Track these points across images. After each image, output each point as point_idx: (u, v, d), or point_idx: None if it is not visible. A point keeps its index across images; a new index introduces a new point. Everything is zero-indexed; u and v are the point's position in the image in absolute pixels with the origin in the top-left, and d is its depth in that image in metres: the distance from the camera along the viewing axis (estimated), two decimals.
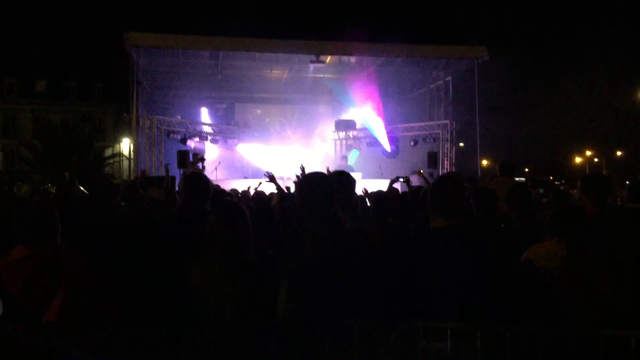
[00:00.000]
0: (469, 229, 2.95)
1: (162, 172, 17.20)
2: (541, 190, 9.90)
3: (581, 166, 55.51)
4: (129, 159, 28.01)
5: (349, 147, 22.37)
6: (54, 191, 14.08)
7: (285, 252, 2.94)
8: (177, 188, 12.97)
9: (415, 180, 11.99)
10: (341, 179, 3.75)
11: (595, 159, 54.48)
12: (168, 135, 18.41)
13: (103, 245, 3.28)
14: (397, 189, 8.70)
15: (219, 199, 3.72)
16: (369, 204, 6.26)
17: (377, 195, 5.76)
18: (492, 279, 2.76)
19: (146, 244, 3.45)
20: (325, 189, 3.03)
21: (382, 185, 12.86)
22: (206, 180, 4.16)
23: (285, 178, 16.38)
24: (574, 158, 57.18)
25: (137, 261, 3.23)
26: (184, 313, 2.81)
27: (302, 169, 7.97)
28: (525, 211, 4.16)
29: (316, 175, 3.16)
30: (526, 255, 3.10)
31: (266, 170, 8.22)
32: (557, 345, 2.55)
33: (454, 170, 18.68)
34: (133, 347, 2.48)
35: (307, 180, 3.11)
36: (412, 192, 8.22)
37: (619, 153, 52.07)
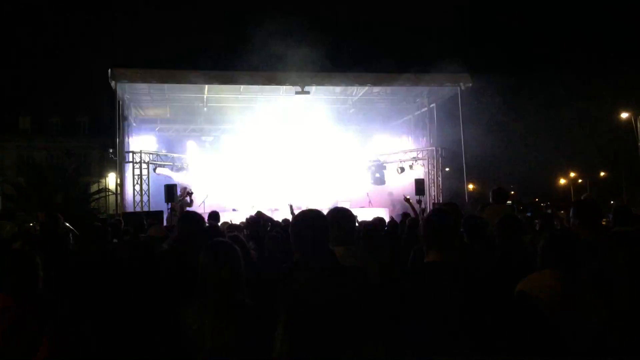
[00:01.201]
0: (463, 263, 2.94)
1: (151, 208, 17.11)
2: (528, 214, 9.97)
3: (565, 187, 56.01)
4: (115, 193, 27.78)
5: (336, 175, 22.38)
6: (38, 229, 13.92)
7: (281, 291, 2.91)
8: (165, 223, 12.91)
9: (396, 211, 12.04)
10: (340, 216, 3.71)
11: (580, 180, 55.02)
12: (155, 169, 18.35)
13: (91, 289, 3.23)
14: (382, 219, 8.70)
15: (210, 239, 3.69)
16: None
17: (366, 227, 5.75)
18: (487, 313, 2.75)
19: (137, 285, 3.41)
20: (319, 227, 3.01)
21: (371, 213, 12.90)
22: (200, 219, 4.14)
23: (273, 209, 16.37)
24: (558, 180, 57.71)
25: (127, 303, 3.18)
26: (178, 355, 2.76)
27: (291, 207, 8.04)
28: (516, 239, 4.17)
29: (310, 213, 3.14)
30: (520, 286, 3.08)
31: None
32: None
33: (441, 196, 18.77)
34: None
35: (301, 218, 3.09)
36: (402, 221, 8.25)
37: (602, 174, 52.66)
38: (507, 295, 3.16)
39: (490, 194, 7.21)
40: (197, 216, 4.39)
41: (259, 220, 7.36)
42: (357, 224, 7.29)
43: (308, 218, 3.06)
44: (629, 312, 3.15)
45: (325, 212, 3.75)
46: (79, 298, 3.11)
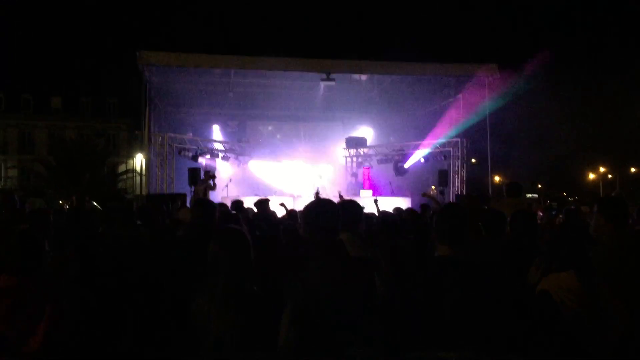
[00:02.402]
0: (474, 258, 2.93)
1: (174, 190, 17.31)
2: (553, 212, 9.83)
3: (594, 182, 55.05)
4: (140, 175, 28.18)
5: (359, 165, 22.41)
6: (67, 207, 14.18)
7: (289, 279, 2.93)
8: (189, 206, 13.05)
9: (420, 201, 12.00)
10: (349, 205, 3.74)
11: (609, 176, 54.03)
12: (179, 152, 18.53)
13: (105, 271, 3.29)
14: (413, 210, 8.68)
15: (222, 226, 3.73)
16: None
17: (384, 218, 5.73)
18: (497, 309, 2.74)
19: (149, 269, 3.46)
20: (331, 216, 3.03)
21: (393, 203, 12.86)
22: (213, 205, 4.19)
23: (295, 195, 16.44)
24: (588, 174, 56.74)
25: (138, 286, 3.24)
26: (184, 341, 2.81)
27: (318, 192, 8.11)
28: (529, 235, 4.13)
29: (322, 202, 3.17)
30: (542, 285, 3.04)
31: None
32: None
33: (464, 188, 18.61)
34: None
35: (313, 207, 3.11)
36: (422, 212, 8.21)
37: (632, 169, 51.60)
38: (517, 292, 3.15)
39: (504, 187, 7.17)
40: (209, 204, 4.45)
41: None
42: (373, 213, 7.33)
43: (319, 208, 3.09)
44: None
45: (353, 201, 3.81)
46: (89, 280, 3.18)
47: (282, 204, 8.54)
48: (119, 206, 4.72)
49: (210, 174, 16.19)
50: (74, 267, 3.38)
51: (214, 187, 15.94)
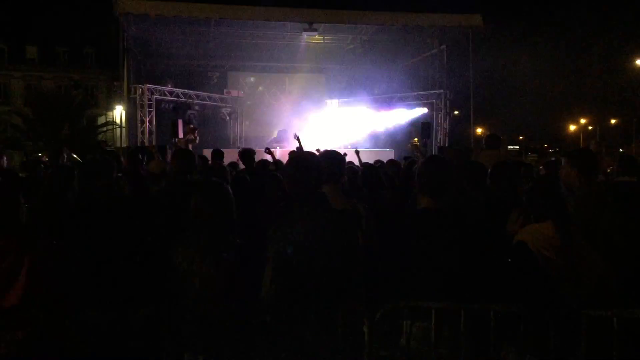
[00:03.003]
0: (455, 209, 2.95)
1: (155, 142, 17.13)
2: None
3: (575, 134, 55.58)
4: (120, 127, 27.82)
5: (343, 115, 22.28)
6: (45, 159, 14.00)
7: (272, 232, 2.94)
8: (169, 158, 12.96)
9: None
10: (330, 157, 3.73)
11: (590, 127, 54.52)
12: (160, 104, 18.27)
13: (83, 224, 3.26)
14: (396, 161, 8.68)
15: (204, 178, 3.71)
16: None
17: (367, 170, 5.74)
18: (478, 259, 2.78)
19: (130, 222, 3.44)
20: (312, 169, 3.02)
21: (376, 155, 12.88)
22: (192, 155, 4.16)
23: (278, 148, 16.38)
24: (569, 126, 57.19)
25: (118, 239, 3.23)
26: (167, 291, 2.83)
27: (297, 138, 8.00)
28: (508, 186, 4.18)
29: (303, 155, 3.16)
30: (519, 237, 3.08)
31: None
32: (541, 325, 2.59)
33: (447, 140, 18.68)
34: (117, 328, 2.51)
35: (294, 160, 3.10)
36: (406, 165, 8.22)
37: (613, 121, 52.10)
38: (497, 243, 3.20)
39: (484, 140, 7.22)
40: (188, 154, 4.40)
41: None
42: (358, 166, 7.33)
43: (300, 160, 3.07)
44: (626, 263, 3.16)
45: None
46: (68, 232, 3.16)
47: (267, 150, 8.38)
48: (98, 158, 4.65)
49: (192, 127, 16.04)
50: (53, 220, 3.36)
51: (195, 140, 15.82)
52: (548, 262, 2.86)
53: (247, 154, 7.32)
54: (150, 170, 5.47)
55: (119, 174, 5.30)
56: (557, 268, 2.86)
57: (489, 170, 4.31)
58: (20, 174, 7.10)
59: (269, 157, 8.14)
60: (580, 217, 3.35)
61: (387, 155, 15.32)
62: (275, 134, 16.96)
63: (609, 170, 8.22)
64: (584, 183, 3.75)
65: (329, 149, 3.97)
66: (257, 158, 7.51)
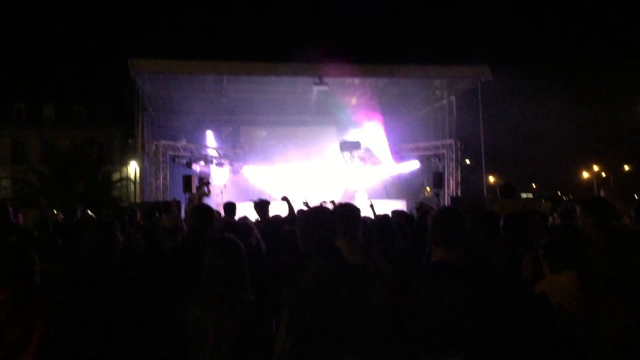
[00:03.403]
0: (468, 263, 2.91)
1: (168, 197, 17.25)
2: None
3: (589, 181, 55.21)
4: (135, 182, 28.11)
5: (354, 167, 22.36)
6: (61, 217, 14.12)
7: (286, 287, 2.92)
8: (182, 213, 13.03)
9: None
10: (345, 211, 3.70)
11: (603, 174, 54.18)
12: (173, 160, 18.47)
13: (95, 281, 3.26)
14: (403, 212, 8.62)
15: (218, 234, 3.70)
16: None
17: (380, 224, 5.70)
18: (493, 313, 2.72)
19: (145, 278, 3.44)
20: (326, 224, 3.01)
21: (389, 206, 12.84)
22: (211, 212, 4.17)
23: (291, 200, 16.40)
24: (582, 173, 56.89)
25: (133, 296, 3.21)
26: (180, 351, 2.79)
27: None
28: (524, 237, 4.12)
29: (317, 210, 3.16)
30: (540, 287, 3.02)
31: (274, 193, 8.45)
32: None
33: (459, 190, 18.63)
34: None
35: (308, 215, 3.10)
36: (419, 216, 8.17)
37: (626, 168, 51.80)
38: (516, 296, 3.13)
39: (498, 189, 7.20)
40: (208, 210, 4.40)
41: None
42: (369, 217, 7.29)
43: (315, 215, 3.07)
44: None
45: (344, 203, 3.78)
46: (80, 289, 3.15)
47: (285, 198, 8.26)
48: (112, 215, 4.69)
49: (205, 181, 16.16)
50: (65, 280, 3.36)
51: (208, 194, 15.91)
52: (568, 316, 2.80)
53: (261, 205, 7.30)
54: (163, 224, 5.50)
55: (132, 229, 5.33)
56: (577, 322, 2.79)
57: (504, 221, 4.28)
58: (35, 232, 7.15)
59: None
60: (600, 268, 3.30)
61: (399, 206, 15.29)
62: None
63: (627, 220, 8.11)
64: (600, 232, 3.71)
65: (344, 202, 3.95)
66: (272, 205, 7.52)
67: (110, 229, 3.66)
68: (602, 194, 10.99)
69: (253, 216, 7.50)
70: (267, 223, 6.73)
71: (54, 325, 2.37)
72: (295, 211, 7.32)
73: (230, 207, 7.73)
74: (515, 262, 3.57)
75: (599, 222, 3.72)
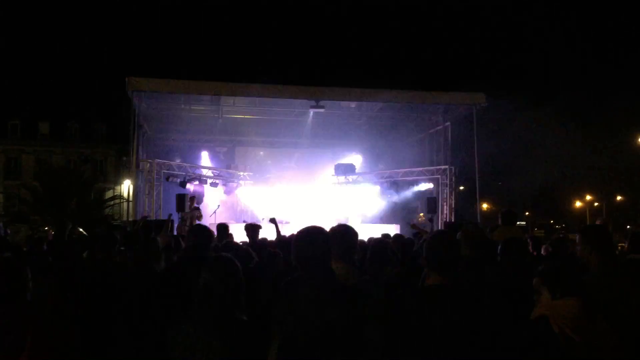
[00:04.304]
0: (463, 287, 2.90)
1: (162, 216, 17.16)
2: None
3: (581, 210, 55.36)
4: (128, 201, 27.99)
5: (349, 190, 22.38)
6: (52, 233, 14.02)
7: (279, 308, 2.88)
8: (175, 232, 12.95)
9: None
10: (342, 233, 3.66)
11: (595, 204, 54.36)
12: (167, 178, 18.41)
13: (89, 297, 3.22)
14: (402, 237, 8.59)
15: (214, 254, 3.67)
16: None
17: (375, 247, 5.66)
18: (488, 337, 2.70)
19: (137, 297, 3.39)
20: (321, 244, 2.99)
21: (382, 230, 12.81)
22: (209, 232, 4.12)
23: (284, 222, 16.35)
24: (574, 202, 57.07)
25: (124, 314, 3.17)
26: None
27: (274, 222, 8.09)
28: (521, 262, 4.10)
29: (312, 230, 3.12)
30: (538, 311, 3.00)
31: (267, 215, 8.55)
32: None
33: (452, 216, 18.63)
34: None
35: (302, 235, 3.07)
36: (415, 241, 8.14)
37: (619, 198, 52.01)
38: (508, 320, 3.11)
39: (500, 215, 7.16)
40: (205, 231, 4.36)
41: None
42: (365, 241, 7.26)
43: (310, 235, 3.04)
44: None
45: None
46: (70, 305, 3.11)
47: (272, 220, 8.34)
48: (102, 232, 4.66)
49: (194, 205, 16.13)
50: (56, 295, 3.31)
51: (200, 217, 15.86)
52: (569, 342, 2.77)
53: (252, 229, 7.34)
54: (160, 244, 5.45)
55: (122, 248, 5.28)
56: (578, 349, 2.77)
57: (501, 246, 4.26)
58: (25, 249, 7.10)
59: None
60: (599, 296, 3.27)
61: (392, 230, 15.26)
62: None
63: (619, 248, 8.12)
64: (599, 259, 3.68)
65: (342, 223, 3.90)
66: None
67: (107, 246, 3.63)
68: (597, 223, 11.00)
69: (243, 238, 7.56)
70: (254, 245, 6.80)
71: (44, 343, 2.33)
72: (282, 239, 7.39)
73: (222, 229, 7.72)
74: (513, 286, 3.55)
75: (599, 249, 3.70)
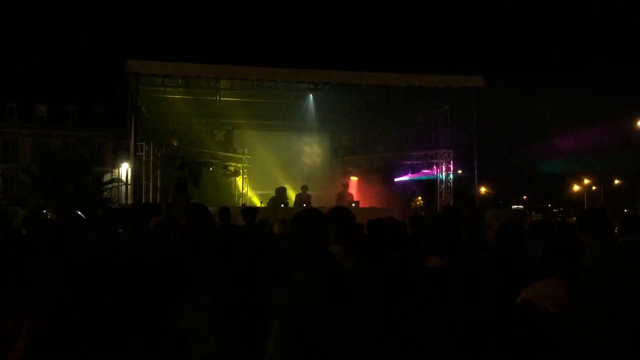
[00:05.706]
0: (462, 269, 2.91)
1: (159, 199, 17.17)
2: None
3: (579, 194, 55.51)
4: (126, 184, 27.94)
5: (347, 174, 22.37)
6: (50, 216, 14.01)
7: (277, 290, 2.89)
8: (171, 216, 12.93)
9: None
10: (340, 215, 3.67)
11: (593, 187, 54.49)
12: (166, 162, 18.37)
13: (84, 283, 3.22)
14: (392, 219, 8.60)
15: (214, 235, 3.66)
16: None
17: (374, 226, 5.69)
18: (486, 320, 2.72)
19: (136, 280, 3.39)
20: (318, 226, 2.99)
21: (380, 214, 12.83)
22: (206, 211, 4.08)
23: (282, 206, 16.37)
24: (572, 186, 57.20)
25: (126, 298, 3.17)
26: (172, 352, 2.75)
27: (243, 205, 8.13)
28: (518, 245, 4.12)
29: (309, 212, 3.12)
30: (525, 295, 3.03)
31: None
32: None
33: (451, 198, 18.66)
34: None
35: (300, 217, 3.07)
36: (411, 223, 8.15)
37: (616, 182, 52.13)
38: (507, 302, 3.13)
39: (491, 198, 7.20)
40: (203, 209, 4.29)
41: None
42: (363, 224, 7.28)
43: (307, 218, 3.04)
44: (630, 323, 3.10)
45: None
46: (68, 291, 3.11)
47: (243, 210, 8.37)
48: (100, 215, 4.66)
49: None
50: (53, 278, 3.31)
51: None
52: (554, 320, 2.81)
53: (249, 212, 7.38)
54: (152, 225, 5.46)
55: (120, 230, 5.28)
56: (563, 326, 2.80)
57: (498, 229, 4.28)
58: (23, 231, 7.09)
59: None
60: (591, 278, 3.29)
61: (389, 214, 15.27)
62: (274, 193, 16.95)
63: (615, 231, 8.14)
64: (596, 244, 3.70)
65: (339, 206, 3.90)
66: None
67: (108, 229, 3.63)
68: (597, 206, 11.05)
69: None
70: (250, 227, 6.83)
71: (42, 326, 2.33)
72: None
73: (225, 212, 7.72)
74: (508, 269, 3.57)
75: (594, 233, 3.72)
